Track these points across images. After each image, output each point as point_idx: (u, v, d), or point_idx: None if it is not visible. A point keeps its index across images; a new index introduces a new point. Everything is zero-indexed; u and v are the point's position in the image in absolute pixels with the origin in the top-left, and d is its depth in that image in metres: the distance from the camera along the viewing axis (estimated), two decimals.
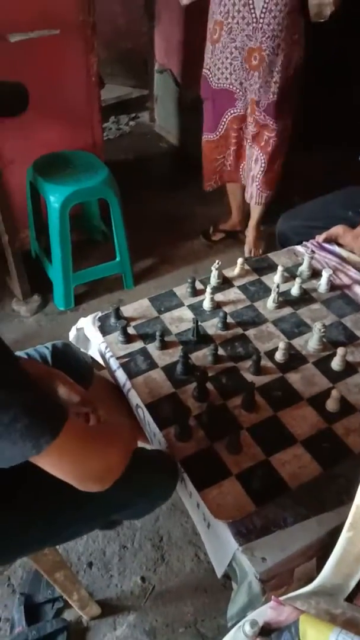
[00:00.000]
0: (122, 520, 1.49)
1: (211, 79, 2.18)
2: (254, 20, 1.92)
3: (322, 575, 0.83)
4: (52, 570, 1.12)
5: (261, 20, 1.92)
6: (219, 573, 1.08)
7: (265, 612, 0.81)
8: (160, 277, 2.43)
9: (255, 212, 2.47)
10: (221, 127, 2.27)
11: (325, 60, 2.65)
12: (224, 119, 2.25)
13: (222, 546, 1.04)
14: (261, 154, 2.24)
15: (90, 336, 1.45)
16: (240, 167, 2.39)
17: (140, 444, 1.17)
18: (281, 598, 0.84)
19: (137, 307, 1.48)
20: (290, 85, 2.10)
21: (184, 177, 3.11)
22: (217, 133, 2.30)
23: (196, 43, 2.88)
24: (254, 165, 2.29)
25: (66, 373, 1.18)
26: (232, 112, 2.21)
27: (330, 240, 1.68)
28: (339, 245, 1.67)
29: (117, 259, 2.30)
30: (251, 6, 1.91)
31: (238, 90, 2.13)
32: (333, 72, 2.85)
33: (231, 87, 2.14)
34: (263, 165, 2.25)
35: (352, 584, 0.81)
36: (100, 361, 1.43)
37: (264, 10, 1.89)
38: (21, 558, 1.08)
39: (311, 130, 2.83)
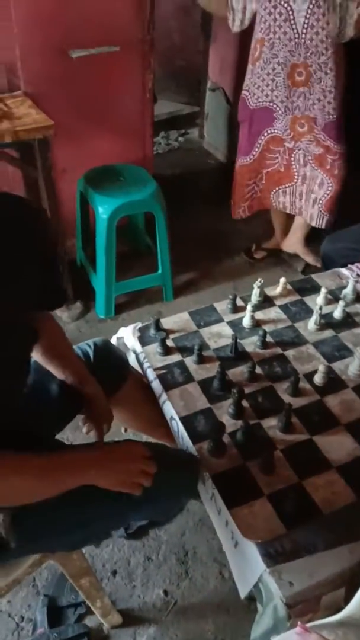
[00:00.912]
0: (149, 530, 1.50)
1: (249, 100, 2.16)
2: (296, 35, 1.92)
3: (351, 606, 0.81)
4: (78, 576, 1.14)
5: (303, 36, 1.91)
6: (243, 594, 1.07)
7: (290, 638, 0.80)
8: (200, 291, 2.45)
9: (305, 228, 2.46)
10: (256, 149, 2.25)
11: None
12: (260, 140, 2.22)
13: (248, 566, 1.03)
14: (327, 178, 2.20)
15: (130, 346, 1.47)
16: (273, 191, 2.36)
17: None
18: (308, 625, 0.82)
19: (177, 320, 1.50)
20: (343, 110, 2.09)
21: (230, 194, 3.14)
22: (252, 156, 2.27)
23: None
24: (318, 189, 2.25)
25: (104, 369, 1.26)
26: (269, 132, 2.19)
27: None
28: None
29: (159, 271, 2.33)
30: (292, 21, 1.90)
31: (278, 109, 2.11)
32: None
33: (271, 104, 2.11)
34: (330, 188, 2.21)
35: None
36: (139, 370, 1.45)
37: (305, 26, 1.88)
38: (54, 552, 1.09)
39: None
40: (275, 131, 2.18)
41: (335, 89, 2.01)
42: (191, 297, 2.41)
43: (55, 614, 1.38)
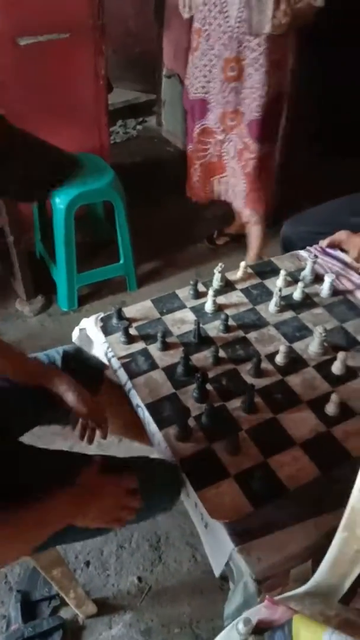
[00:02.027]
0: None
1: (189, 90, 2.14)
2: (229, 28, 1.88)
3: (317, 576, 0.84)
4: (49, 567, 1.13)
5: (236, 30, 1.87)
6: (217, 572, 1.09)
7: (259, 611, 0.82)
8: (163, 280, 2.44)
9: (254, 233, 2.44)
10: (194, 139, 2.25)
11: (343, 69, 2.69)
12: (196, 131, 2.21)
13: (219, 546, 1.04)
14: (241, 174, 2.21)
15: (93, 336, 1.46)
16: (210, 180, 2.34)
17: (139, 446, 1.18)
18: (275, 598, 0.84)
19: (140, 308, 1.50)
20: (273, 109, 2.07)
21: None
22: (191, 145, 2.28)
23: None
24: (237, 181, 2.26)
25: (75, 378, 1.20)
26: (201, 123, 2.17)
27: (333, 245, 1.68)
28: (343, 250, 1.68)
29: (121, 261, 2.31)
30: (226, 14, 1.85)
31: (212, 101, 2.09)
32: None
33: (206, 96, 2.09)
34: (244, 185, 2.23)
35: (347, 584, 0.81)
36: (104, 361, 1.44)
37: (238, 19, 1.84)
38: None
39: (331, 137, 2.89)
40: (207, 123, 2.16)
41: (265, 87, 1.98)
42: (155, 285, 2.41)
43: (29, 609, 1.37)
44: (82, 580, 1.39)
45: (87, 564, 1.45)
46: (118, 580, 1.42)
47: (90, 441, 1.25)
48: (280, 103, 2.15)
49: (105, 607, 1.35)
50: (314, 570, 1.02)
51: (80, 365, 1.31)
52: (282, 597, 0.86)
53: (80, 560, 1.45)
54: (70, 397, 1.17)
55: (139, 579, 1.42)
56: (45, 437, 1.35)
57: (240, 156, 2.18)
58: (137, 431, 1.39)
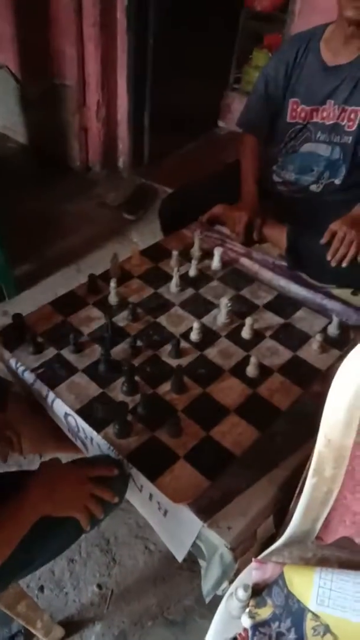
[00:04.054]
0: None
1: None
2: None
3: (291, 526, 0.89)
4: (14, 604, 1.05)
5: None
6: (180, 557, 1.10)
7: (249, 576, 0.85)
8: (44, 280, 2.33)
9: None
10: None
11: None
12: None
13: (183, 529, 1.05)
14: None
15: None
16: None
17: (64, 456, 1.15)
18: (259, 557, 0.88)
19: (40, 314, 1.42)
20: None
21: (45, 175, 3.02)
22: None
23: (32, 37, 2.80)
24: None
25: None
26: None
27: (212, 220, 1.75)
28: (221, 223, 1.75)
29: None
30: None
31: None
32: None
33: None
34: None
35: (319, 526, 0.87)
36: (10, 379, 1.35)
37: None
38: None
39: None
40: None
41: None
42: (36, 288, 2.29)
43: None
44: (41, 606, 1.32)
45: (41, 588, 1.37)
46: (78, 594, 1.37)
47: (4, 459, 1.19)
48: None
49: (73, 626, 1.30)
50: (276, 523, 1.09)
51: None
52: (264, 555, 0.90)
53: (33, 588, 1.37)
54: None
55: (99, 586, 1.39)
56: None
57: None
58: (57, 443, 1.34)
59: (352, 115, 1.57)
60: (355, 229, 1.50)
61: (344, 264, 1.50)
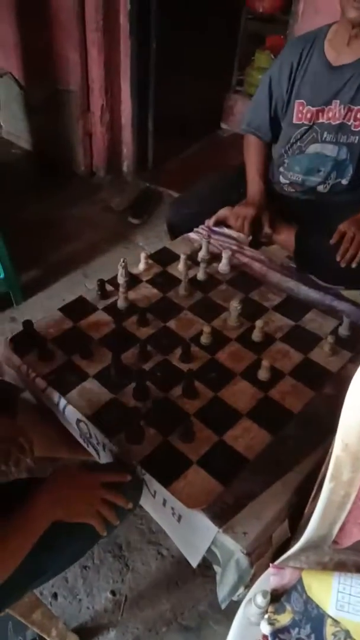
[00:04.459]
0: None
1: None
2: None
3: (308, 531, 0.88)
4: (29, 612, 1.05)
5: None
6: (195, 563, 1.10)
7: (267, 582, 0.84)
8: (50, 286, 2.33)
9: None
10: None
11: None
12: None
13: (197, 534, 1.05)
14: None
15: (5, 361, 1.36)
16: None
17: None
18: (276, 563, 0.87)
19: (49, 320, 1.42)
20: None
21: (49, 181, 3.02)
22: None
23: (35, 43, 2.81)
24: None
25: None
26: None
27: (219, 223, 1.75)
28: (228, 227, 1.75)
29: (1, 275, 2.16)
30: None
31: None
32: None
33: None
34: None
35: (336, 530, 0.87)
36: (21, 385, 1.35)
37: None
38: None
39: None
40: None
41: None
42: (43, 294, 2.29)
43: None
44: (55, 614, 1.31)
45: (55, 596, 1.37)
46: (91, 601, 1.36)
47: (17, 465, 1.18)
48: None
49: (87, 633, 1.30)
50: (291, 527, 1.08)
51: None
52: (281, 560, 0.90)
53: (46, 596, 1.36)
54: None
55: (113, 592, 1.38)
56: None
57: None
58: (69, 448, 1.34)
59: (359, 115, 1.56)
60: (358, 228, 1.50)
61: (353, 265, 1.49)
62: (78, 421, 1.20)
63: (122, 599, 1.37)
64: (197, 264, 1.57)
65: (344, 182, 1.66)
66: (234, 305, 1.36)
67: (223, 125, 3.61)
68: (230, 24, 3.23)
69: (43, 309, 1.52)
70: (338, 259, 1.50)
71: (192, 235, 1.74)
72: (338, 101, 1.58)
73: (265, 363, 1.25)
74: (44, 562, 0.96)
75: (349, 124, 1.59)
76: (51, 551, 0.96)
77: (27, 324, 1.33)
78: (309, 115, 1.63)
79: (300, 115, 1.65)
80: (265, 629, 0.80)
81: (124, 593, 1.38)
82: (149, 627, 1.31)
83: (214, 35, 3.08)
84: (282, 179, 1.78)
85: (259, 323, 1.35)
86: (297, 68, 1.62)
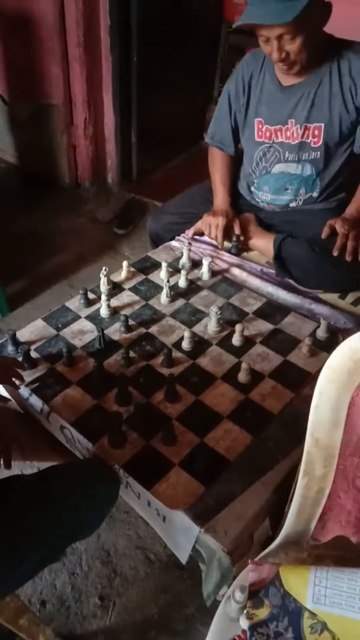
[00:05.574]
0: (65, 550, 1.44)
1: None
2: None
3: (285, 527, 0.90)
4: (15, 618, 1.06)
5: None
6: (183, 560, 1.11)
7: (246, 578, 0.86)
8: (35, 297, 2.35)
9: None
10: None
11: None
12: None
13: (182, 534, 1.07)
14: None
15: None
16: None
17: None
18: (256, 559, 0.89)
19: (33, 329, 1.44)
20: None
21: (35, 194, 3.05)
22: None
23: (18, 59, 2.85)
24: None
25: None
26: None
27: (198, 233, 1.78)
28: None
29: None
30: None
31: None
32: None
33: None
34: None
35: (312, 525, 0.89)
36: (5, 394, 1.36)
37: None
38: None
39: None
40: None
41: None
42: (28, 305, 2.31)
43: None
44: (44, 621, 1.32)
45: (43, 603, 1.37)
46: (80, 607, 1.37)
47: (9, 465, 1.19)
48: None
49: (75, 639, 1.30)
50: (272, 526, 1.10)
51: None
52: (260, 557, 0.92)
53: (34, 603, 1.37)
54: None
55: (101, 598, 1.39)
56: None
57: None
58: (55, 453, 1.35)
59: (316, 132, 1.56)
60: (351, 226, 1.52)
61: (348, 258, 1.50)
62: (62, 427, 1.22)
63: (111, 605, 1.37)
64: (179, 271, 1.60)
65: (315, 194, 1.67)
66: (214, 310, 1.39)
67: (205, 137, 3.66)
68: (211, 37, 3.29)
69: (29, 320, 1.53)
70: (335, 253, 1.50)
71: (173, 243, 1.77)
72: (293, 120, 1.57)
73: (244, 366, 1.28)
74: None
75: (308, 141, 1.58)
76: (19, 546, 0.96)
77: (12, 333, 1.35)
78: (268, 134, 1.64)
79: (260, 133, 1.66)
80: (244, 623, 0.81)
81: (112, 598, 1.39)
82: (137, 632, 1.32)
83: (194, 48, 3.14)
84: (255, 198, 1.79)
85: (238, 327, 1.37)
86: (249, 86, 1.63)
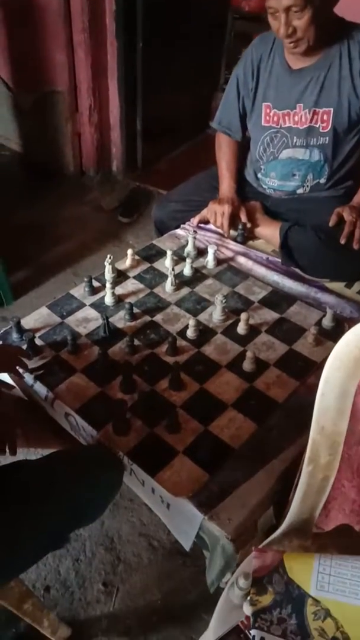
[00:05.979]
0: (69, 536, 1.45)
1: None
2: None
3: (289, 515, 0.90)
4: (20, 603, 1.06)
5: None
6: (187, 547, 1.12)
7: (251, 563, 0.86)
8: (39, 286, 2.35)
9: None
10: None
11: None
12: None
13: (186, 521, 1.07)
14: None
15: None
16: None
17: None
18: (260, 546, 0.89)
19: (37, 316, 1.44)
20: None
21: (40, 182, 3.04)
22: None
23: (23, 46, 2.83)
24: None
25: None
26: None
27: (203, 221, 1.77)
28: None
29: None
30: None
31: None
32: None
33: None
34: None
35: (317, 514, 0.89)
36: (10, 382, 1.37)
37: None
38: None
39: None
40: None
41: None
42: (32, 294, 2.31)
43: None
44: (48, 606, 1.33)
45: (47, 589, 1.38)
46: (84, 593, 1.38)
47: (14, 452, 1.19)
48: None
49: (79, 624, 1.31)
50: (276, 514, 1.10)
51: None
52: (264, 544, 0.92)
53: (39, 588, 1.38)
54: None
55: (104, 584, 1.40)
56: None
57: None
58: (59, 440, 1.35)
59: (325, 117, 1.55)
60: (358, 214, 1.51)
61: (356, 246, 1.50)
62: (67, 415, 1.22)
63: (114, 591, 1.38)
64: (184, 259, 1.59)
65: (322, 181, 1.66)
66: (219, 299, 1.38)
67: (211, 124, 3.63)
68: (218, 24, 3.25)
69: (33, 308, 1.53)
70: (342, 241, 1.49)
71: (178, 231, 1.76)
72: (302, 105, 1.56)
73: (249, 354, 1.27)
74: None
75: (317, 126, 1.57)
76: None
77: (17, 321, 1.35)
78: (275, 119, 1.62)
79: (267, 118, 1.64)
80: (248, 609, 0.82)
81: (115, 585, 1.40)
82: (140, 618, 1.33)
83: (201, 35, 3.10)
84: (262, 185, 1.77)
85: (243, 316, 1.37)
86: (259, 70, 1.61)
